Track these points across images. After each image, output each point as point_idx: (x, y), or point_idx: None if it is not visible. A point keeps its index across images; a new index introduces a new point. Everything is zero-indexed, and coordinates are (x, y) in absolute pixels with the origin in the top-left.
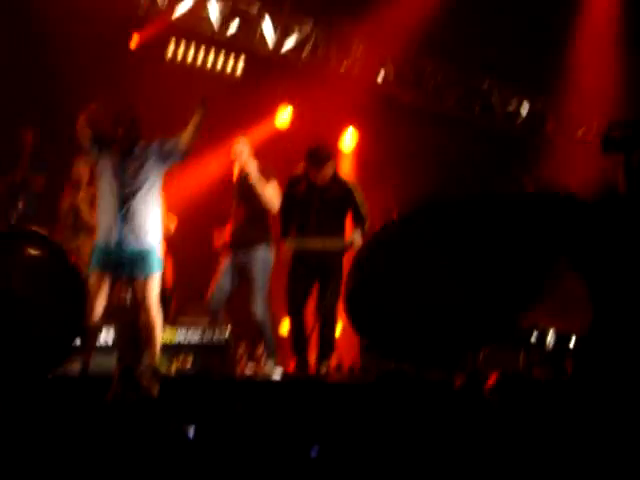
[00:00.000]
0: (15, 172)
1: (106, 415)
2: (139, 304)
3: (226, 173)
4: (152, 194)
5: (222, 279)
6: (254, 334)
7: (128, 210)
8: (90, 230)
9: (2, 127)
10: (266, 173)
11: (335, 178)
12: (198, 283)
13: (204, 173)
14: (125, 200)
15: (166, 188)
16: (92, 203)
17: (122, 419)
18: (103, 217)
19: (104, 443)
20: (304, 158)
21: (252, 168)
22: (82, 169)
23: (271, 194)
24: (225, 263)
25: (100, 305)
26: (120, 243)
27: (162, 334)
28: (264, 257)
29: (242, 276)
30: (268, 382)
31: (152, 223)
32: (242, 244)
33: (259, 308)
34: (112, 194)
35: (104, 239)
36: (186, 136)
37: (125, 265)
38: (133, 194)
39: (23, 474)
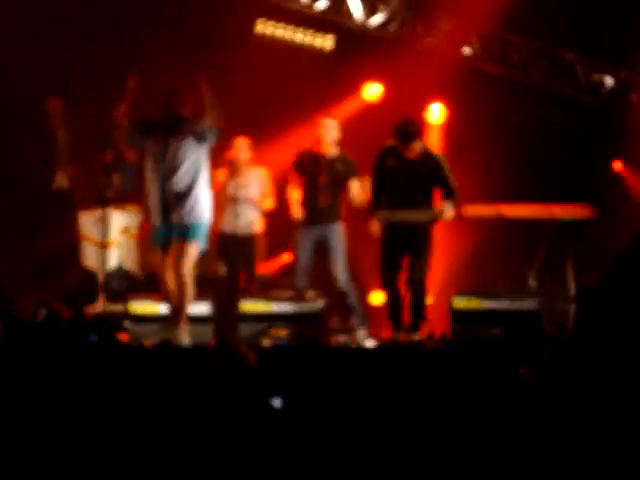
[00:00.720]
0: (108, 149)
1: (205, 384)
2: (176, 267)
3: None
4: (195, 172)
5: (302, 255)
6: (342, 304)
7: (172, 188)
8: None
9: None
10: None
11: (423, 152)
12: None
13: (294, 146)
14: (168, 179)
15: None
16: None
17: (221, 388)
18: (151, 198)
19: (202, 411)
20: (392, 134)
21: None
22: None
23: (357, 190)
24: (301, 239)
25: (170, 278)
26: (168, 221)
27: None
28: (339, 230)
29: (321, 249)
30: (362, 350)
31: (196, 200)
32: (319, 221)
33: (341, 276)
34: (156, 174)
35: (155, 218)
36: (208, 115)
37: (175, 237)
38: (175, 172)
39: (126, 441)
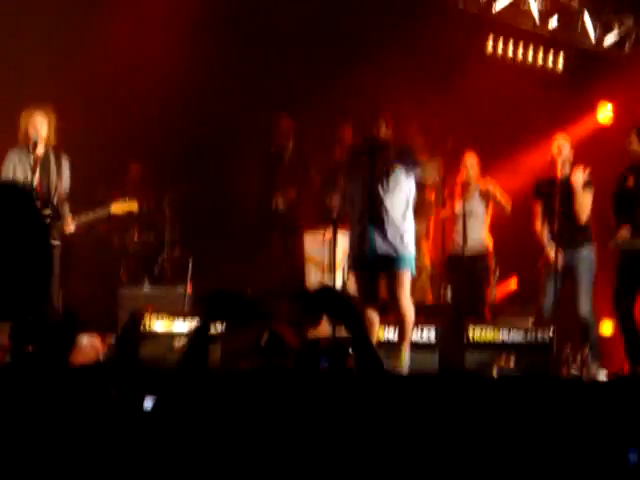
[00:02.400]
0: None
1: (428, 412)
2: (395, 297)
3: (547, 168)
4: (401, 199)
5: (549, 282)
6: (579, 335)
7: (377, 216)
8: None
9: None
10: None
11: None
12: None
13: (525, 167)
14: (375, 206)
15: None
16: None
17: (447, 419)
18: (355, 223)
19: (426, 441)
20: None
21: (577, 177)
22: None
23: (584, 203)
24: (548, 264)
25: (370, 302)
26: (372, 247)
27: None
28: (589, 257)
29: (567, 276)
30: (594, 383)
31: (402, 227)
32: (566, 245)
33: (584, 307)
34: (362, 201)
35: (358, 244)
36: (425, 170)
37: (379, 264)
38: (382, 200)
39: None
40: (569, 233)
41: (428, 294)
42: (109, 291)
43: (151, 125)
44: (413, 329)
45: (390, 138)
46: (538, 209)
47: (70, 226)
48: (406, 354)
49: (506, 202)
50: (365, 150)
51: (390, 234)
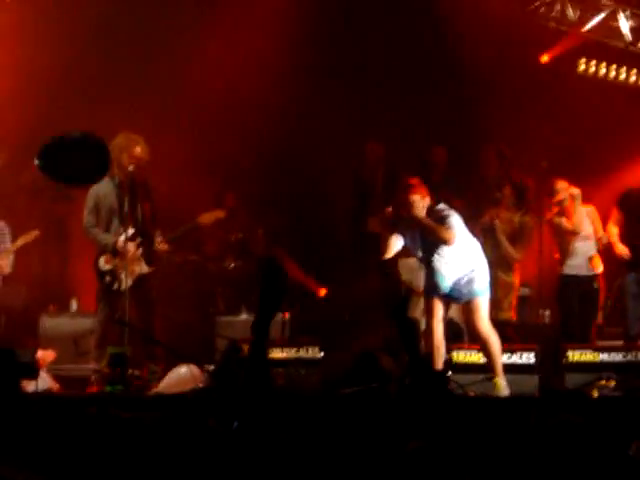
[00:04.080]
0: None
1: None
2: (472, 323)
3: None
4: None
5: (632, 301)
6: None
7: (432, 259)
8: None
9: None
10: None
11: None
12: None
13: (621, 190)
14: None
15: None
16: None
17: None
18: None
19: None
20: None
21: None
22: None
23: None
24: (629, 284)
25: (438, 324)
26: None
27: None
28: None
29: None
30: None
31: (460, 259)
32: None
33: None
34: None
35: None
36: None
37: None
38: (435, 251)
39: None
40: None
41: (514, 313)
42: (207, 320)
43: (246, 154)
44: (501, 353)
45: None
46: (617, 217)
47: (162, 245)
48: (501, 381)
49: (603, 233)
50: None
51: (452, 275)
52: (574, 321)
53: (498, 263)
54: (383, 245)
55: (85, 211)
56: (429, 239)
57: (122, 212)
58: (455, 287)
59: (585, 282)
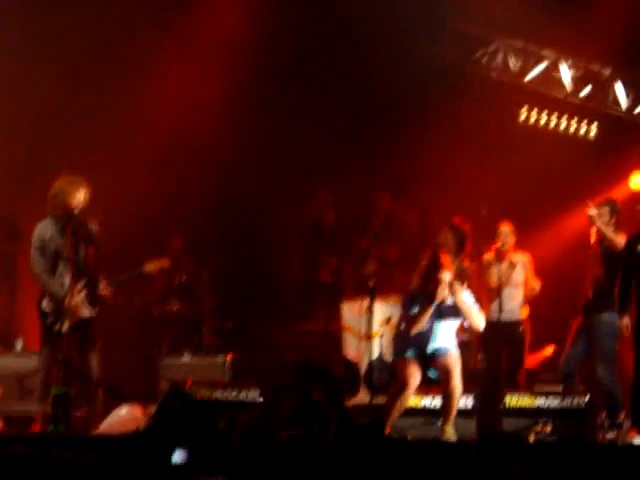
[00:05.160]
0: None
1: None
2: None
3: (582, 237)
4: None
5: (573, 344)
6: (606, 399)
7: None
8: None
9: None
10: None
11: None
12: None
13: (560, 236)
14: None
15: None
16: None
17: None
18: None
19: None
20: None
21: (609, 232)
22: None
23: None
24: (576, 328)
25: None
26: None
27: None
28: (608, 321)
29: (589, 340)
30: (631, 448)
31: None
32: (589, 309)
33: (600, 371)
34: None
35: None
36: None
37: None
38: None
39: None
40: (592, 296)
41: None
42: (150, 361)
43: (190, 197)
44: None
45: None
46: None
47: (105, 290)
48: (451, 428)
49: (536, 282)
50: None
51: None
52: (499, 366)
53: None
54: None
55: (32, 254)
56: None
57: (66, 256)
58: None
59: (508, 329)
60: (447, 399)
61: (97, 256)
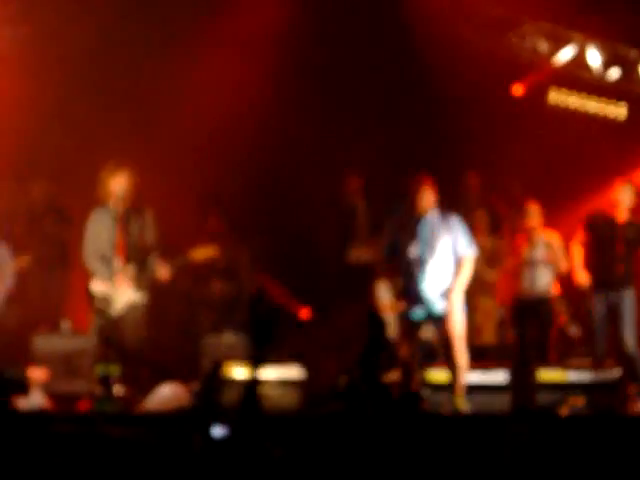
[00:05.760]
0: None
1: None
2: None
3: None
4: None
5: (598, 321)
6: (636, 371)
7: (428, 268)
8: None
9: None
10: None
11: None
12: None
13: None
14: (424, 260)
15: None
16: None
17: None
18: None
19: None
20: None
21: None
22: None
23: None
24: (596, 305)
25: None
26: (426, 298)
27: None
28: (632, 297)
29: (614, 315)
30: None
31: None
32: (614, 288)
33: (630, 343)
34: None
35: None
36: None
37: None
38: (431, 255)
39: None
40: (619, 275)
41: (494, 337)
42: (192, 340)
43: (228, 178)
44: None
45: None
46: (580, 239)
47: (163, 271)
48: (462, 399)
49: (564, 262)
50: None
51: (437, 288)
52: (529, 341)
53: (477, 289)
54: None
55: (85, 240)
56: (434, 242)
57: (116, 242)
58: (434, 301)
59: (537, 306)
60: (452, 370)
61: (152, 241)
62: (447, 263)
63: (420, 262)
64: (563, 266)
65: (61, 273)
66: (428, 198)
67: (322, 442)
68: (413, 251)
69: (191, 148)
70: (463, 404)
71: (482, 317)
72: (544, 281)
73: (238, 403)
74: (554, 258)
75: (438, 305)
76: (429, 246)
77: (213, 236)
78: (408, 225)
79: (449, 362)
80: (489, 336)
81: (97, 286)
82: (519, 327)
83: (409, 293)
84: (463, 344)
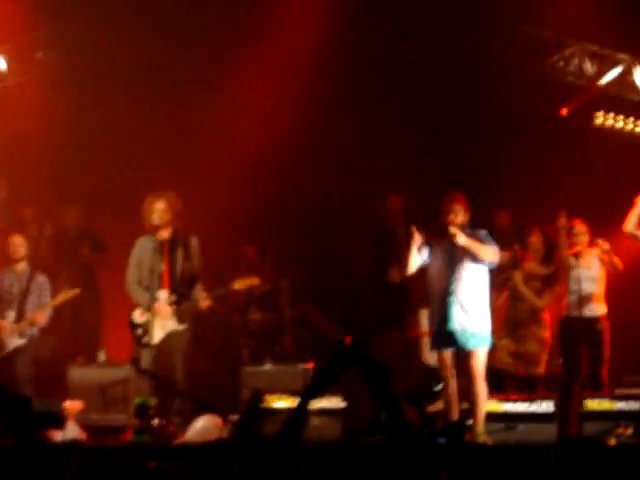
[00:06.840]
0: None
1: None
2: (472, 370)
3: None
4: (477, 277)
5: None
6: None
7: (456, 292)
8: None
9: None
10: None
11: None
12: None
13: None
14: (453, 283)
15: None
16: None
17: None
18: (435, 300)
19: None
20: None
21: None
22: None
23: None
24: None
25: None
26: (452, 321)
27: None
28: None
29: None
30: None
31: (478, 302)
32: None
33: None
34: (441, 279)
35: (438, 319)
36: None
37: (458, 339)
38: (460, 277)
39: None
40: None
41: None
42: (232, 370)
43: (269, 207)
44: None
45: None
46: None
47: (205, 301)
48: (482, 429)
49: (618, 262)
50: (444, 235)
51: (468, 312)
52: (578, 366)
53: (529, 318)
54: (404, 260)
55: (129, 267)
56: (463, 262)
57: (159, 271)
58: (462, 333)
59: (589, 324)
60: (472, 402)
61: (195, 271)
62: (477, 291)
63: (449, 293)
64: (618, 263)
65: (94, 302)
66: (460, 215)
67: (362, 473)
68: (442, 281)
69: (229, 177)
70: (483, 435)
71: (536, 347)
72: (594, 300)
73: (279, 432)
74: (608, 260)
75: (469, 343)
76: (457, 274)
77: (252, 265)
78: (438, 248)
79: (471, 395)
80: (540, 367)
81: (138, 316)
82: (567, 351)
83: (440, 327)
84: (483, 376)
